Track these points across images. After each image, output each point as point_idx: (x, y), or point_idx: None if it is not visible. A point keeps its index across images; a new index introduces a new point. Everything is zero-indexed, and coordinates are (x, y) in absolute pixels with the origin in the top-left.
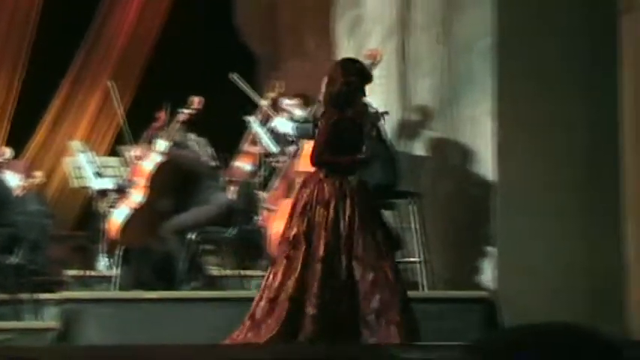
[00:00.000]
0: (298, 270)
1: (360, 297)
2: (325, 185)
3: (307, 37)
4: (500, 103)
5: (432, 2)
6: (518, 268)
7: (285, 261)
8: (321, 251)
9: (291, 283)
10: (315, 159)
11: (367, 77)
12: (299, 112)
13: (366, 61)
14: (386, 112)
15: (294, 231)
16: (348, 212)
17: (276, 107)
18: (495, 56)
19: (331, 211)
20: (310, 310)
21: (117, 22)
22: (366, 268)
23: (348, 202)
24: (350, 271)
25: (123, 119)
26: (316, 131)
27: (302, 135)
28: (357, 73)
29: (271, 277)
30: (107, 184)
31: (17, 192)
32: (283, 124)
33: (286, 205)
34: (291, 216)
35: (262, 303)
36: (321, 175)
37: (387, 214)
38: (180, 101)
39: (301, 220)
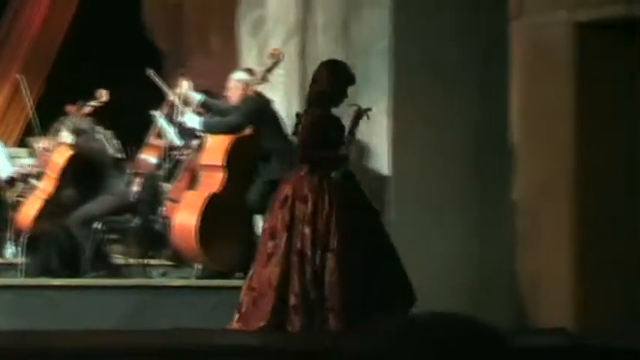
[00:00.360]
0: (280, 262)
1: (327, 288)
2: (305, 181)
3: (213, 35)
4: (396, 101)
5: (331, 4)
6: (410, 259)
7: (265, 253)
8: (298, 244)
9: (274, 275)
10: (300, 155)
11: (350, 78)
12: (198, 96)
13: (269, 61)
14: (369, 109)
15: (273, 223)
16: (326, 208)
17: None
18: (392, 56)
19: (309, 206)
20: (292, 300)
21: (28, 15)
22: (337, 261)
23: (327, 198)
24: (322, 263)
25: (32, 111)
26: (299, 128)
27: (208, 130)
28: (340, 74)
29: (254, 268)
30: (15, 174)
31: None
32: (191, 120)
33: (190, 196)
34: (272, 209)
35: (247, 295)
36: (302, 173)
37: None
38: (90, 94)
39: (281, 214)
